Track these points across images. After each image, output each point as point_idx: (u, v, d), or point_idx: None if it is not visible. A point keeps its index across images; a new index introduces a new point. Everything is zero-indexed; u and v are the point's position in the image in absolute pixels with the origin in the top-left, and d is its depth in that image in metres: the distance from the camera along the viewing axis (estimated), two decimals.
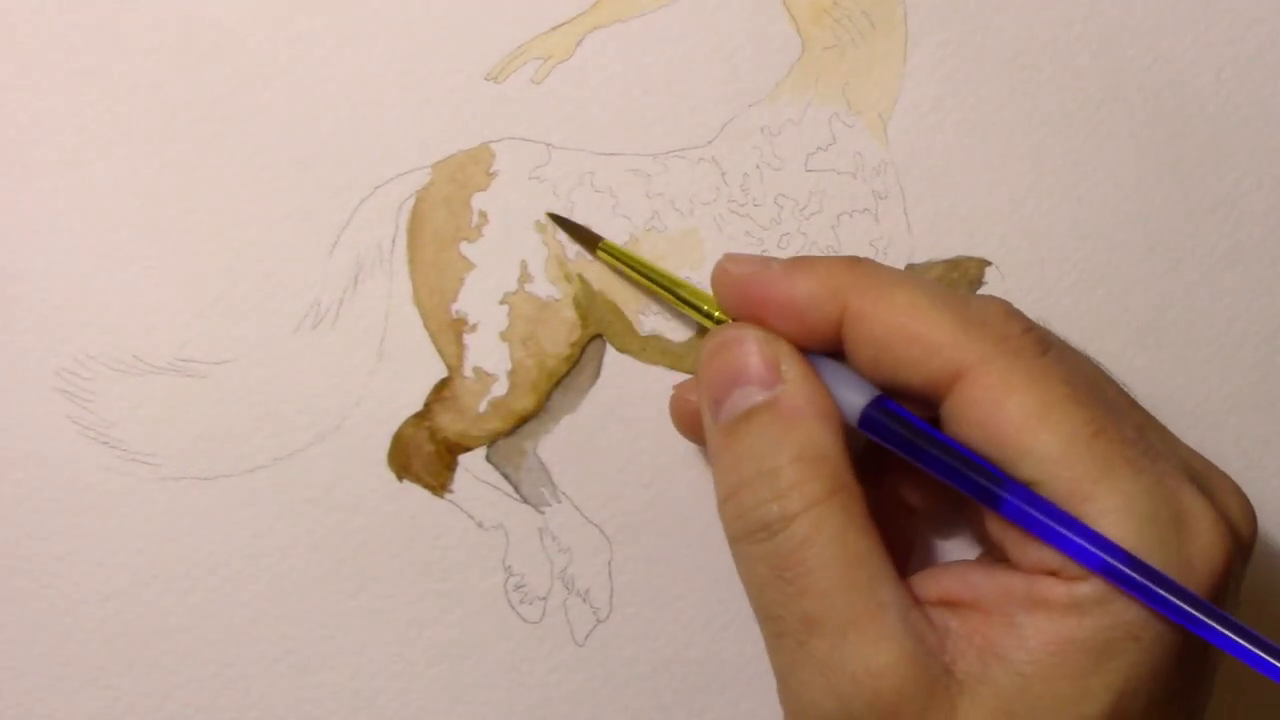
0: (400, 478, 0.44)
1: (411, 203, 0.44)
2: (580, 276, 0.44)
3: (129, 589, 0.43)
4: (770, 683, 0.45)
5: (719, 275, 0.41)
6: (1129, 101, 0.47)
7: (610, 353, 0.45)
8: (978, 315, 0.38)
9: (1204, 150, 0.47)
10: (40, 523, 0.43)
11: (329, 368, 0.44)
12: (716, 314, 0.41)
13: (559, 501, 0.45)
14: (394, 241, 0.44)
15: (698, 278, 0.45)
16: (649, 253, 0.45)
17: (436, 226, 0.44)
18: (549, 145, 0.45)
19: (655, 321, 0.45)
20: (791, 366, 0.39)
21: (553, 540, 0.45)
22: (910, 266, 0.46)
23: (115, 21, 0.43)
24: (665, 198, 0.45)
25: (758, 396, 0.38)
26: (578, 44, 0.45)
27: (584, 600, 0.45)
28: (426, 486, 0.44)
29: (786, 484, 0.37)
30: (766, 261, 0.40)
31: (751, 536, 0.38)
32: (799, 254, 0.45)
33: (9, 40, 0.43)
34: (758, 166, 0.45)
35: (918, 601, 0.37)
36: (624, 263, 0.43)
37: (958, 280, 0.46)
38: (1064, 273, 0.46)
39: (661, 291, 0.43)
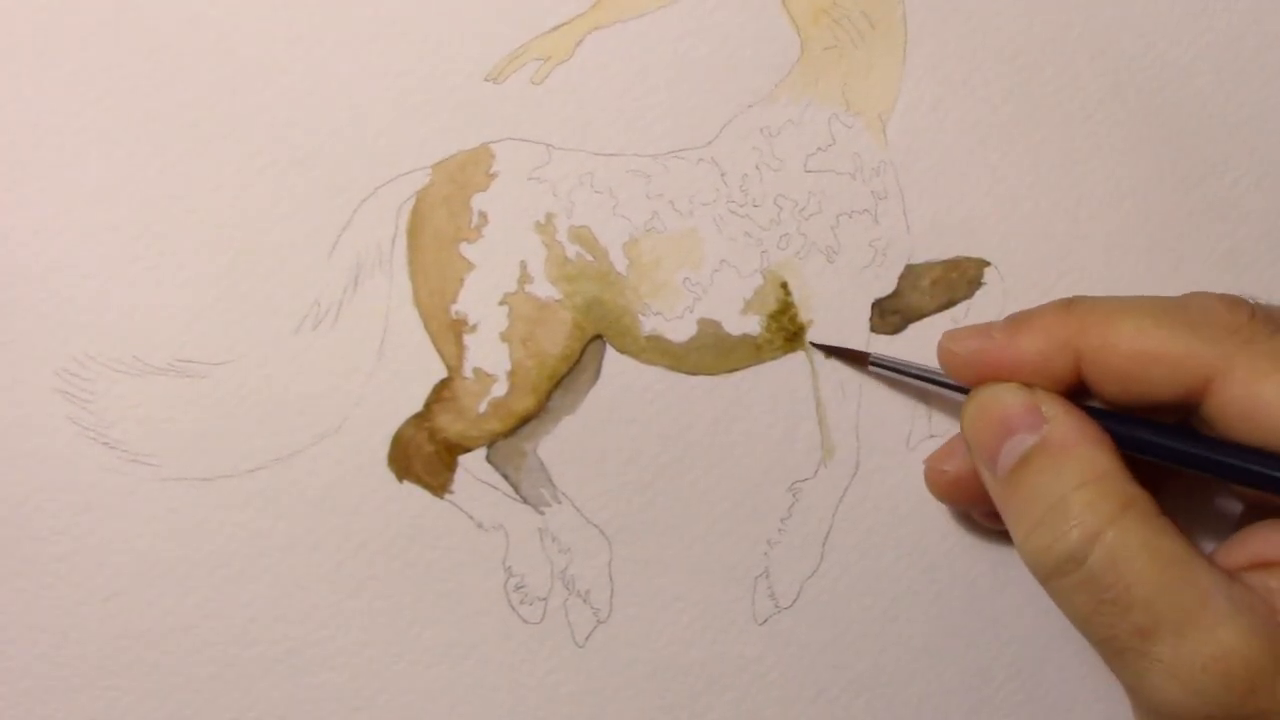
0: (400, 478, 0.44)
1: (411, 203, 0.44)
2: (581, 277, 0.45)
3: (129, 589, 0.43)
4: (770, 683, 0.45)
5: (946, 358, 0.43)
6: (1129, 101, 0.47)
7: (610, 353, 0.45)
8: (1202, 316, 0.40)
9: (1204, 150, 0.47)
10: (40, 523, 0.43)
11: (329, 368, 0.44)
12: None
13: (559, 502, 0.45)
14: (394, 242, 0.44)
15: (697, 278, 0.45)
16: (649, 253, 0.45)
17: (436, 227, 0.44)
18: (549, 146, 0.45)
19: (655, 322, 0.45)
20: (1051, 405, 0.40)
21: (553, 541, 0.45)
22: (909, 267, 0.46)
23: (115, 21, 0.43)
24: (665, 198, 0.45)
25: (1028, 441, 0.40)
26: (578, 44, 0.45)
27: (584, 601, 0.45)
28: (427, 487, 0.44)
29: (1078, 509, 0.38)
30: (985, 331, 0.42)
31: (1060, 570, 0.39)
32: (801, 253, 0.45)
33: (9, 40, 0.43)
34: (757, 167, 0.45)
35: (1233, 576, 0.38)
36: (896, 369, 0.45)
37: (956, 280, 0.46)
38: (1063, 273, 0.46)
39: (930, 386, 0.44)
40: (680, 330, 0.45)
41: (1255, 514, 0.42)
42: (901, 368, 0.44)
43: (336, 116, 0.44)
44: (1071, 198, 0.46)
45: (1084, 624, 0.39)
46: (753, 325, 0.45)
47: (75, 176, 0.43)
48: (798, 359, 0.45)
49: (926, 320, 0.46)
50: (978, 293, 0.46)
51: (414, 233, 0.44)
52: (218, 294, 0.44)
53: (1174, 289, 0.46)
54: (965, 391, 0.43)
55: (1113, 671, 0.40)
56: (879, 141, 0.46)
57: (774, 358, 0.45)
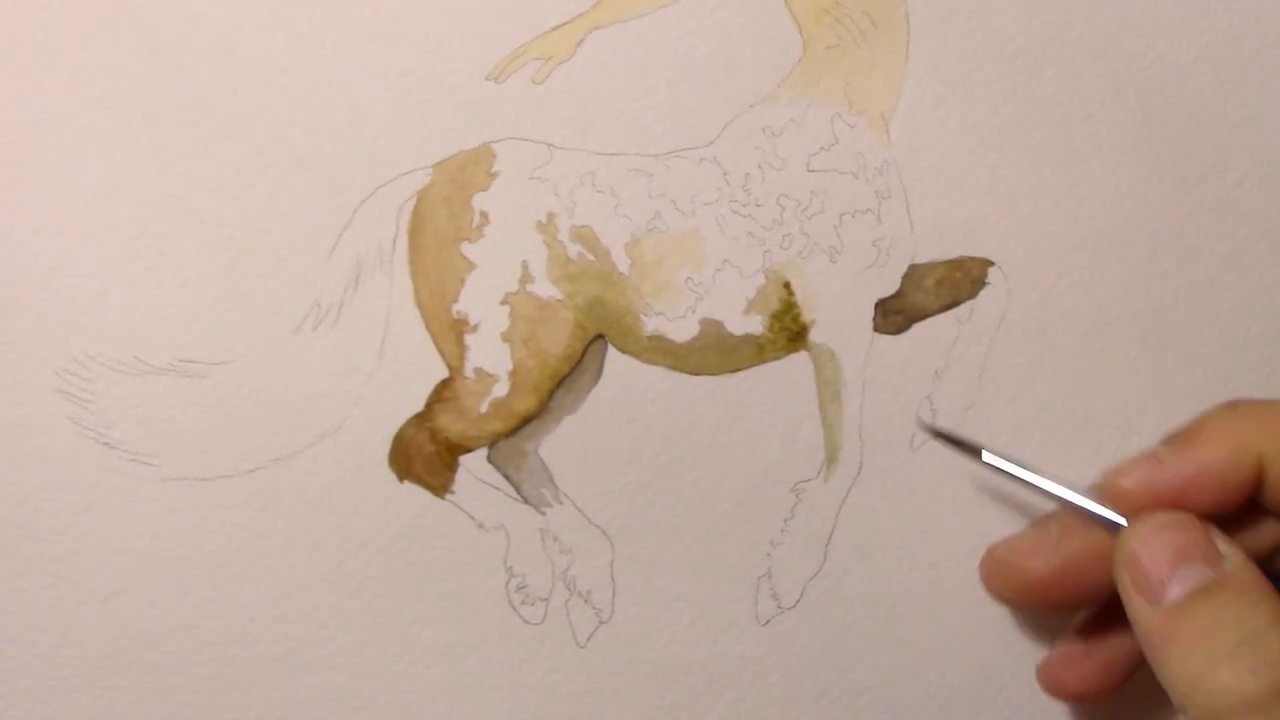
0: (401, 479, 0.44)
1: (412, 203, 0.44)
2: (583, 277, 0.44)
3: (129, 589, 0.43)
4: (772, 683, 0.45)
5: (1117, 495, 0.41)
6: (1129, 101, 0.47)
7: (612, 353, 0.45)
8: None
9: (1204, 150, 0.47)
10: (40, 523, 0.43)
11: (329, 368, 0.44)
12: (1123, 522, 0.41)
13: (560, 502, 0.45)
14: (395, 242, 0.44)
15: (699, 278, 0.45)
16: (651, 253, 0.45)
17: (437, 227, 0.44)
18: (550, 145, 0.45)
19: (658, 322, 0.45)
20: (1228, 546, 0.39)
21: (554, 541, 0.45)
22: (913, 266, 0.46)
23: (115, 21, 0.43)
24: (667, 198, 0.45)
25: (1208, 573, 0.38)
26: (578, 44, 0.45)
27: (586, 601, 0.45)
28: (427, 487, 0.44)
29: (1276, 646, 0.37)
30: (1153, 457, 0.40)
31: (1251, 708, 0.36)
32: (804, 253, 0.45)
33: (9, 40, 0.43)
34: (760, 167, 0.45)
35: None
36: (1009, 474, 0.43)
37: (960, 280, 0.46)
38: (1065, 272, 0.46)
39: (1055, 499, 0.42)
40: (682, 330, 0.45)
41: None
42: (1024, 477, 0.42)
43: (336, 116, 0.44)
44: (1073, 197, 0.46)
45: None
46: (755, 325, 0.45)
47: (75, 176, 0.43)
48: (800, 359, 0.45)
49: (930, 321, 0.46)
50: (981, 292, 0.46)
51: (415, 232, 0.44)
52: (218, 294, 0.44)
53: (1175, 288, 0.46)
54: (1113, 523, 0.41)
55: None
56: (882, 141, 0.46)
57: (776, 358, 0.45)
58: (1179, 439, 0.40)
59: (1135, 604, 0.39)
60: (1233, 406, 0.40)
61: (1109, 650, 0.44)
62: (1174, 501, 0.40)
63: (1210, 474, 0.39)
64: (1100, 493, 0.41)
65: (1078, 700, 0.45)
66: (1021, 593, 0.44)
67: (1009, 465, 0.42)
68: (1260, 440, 0.39)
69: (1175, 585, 0.39)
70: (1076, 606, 0.44)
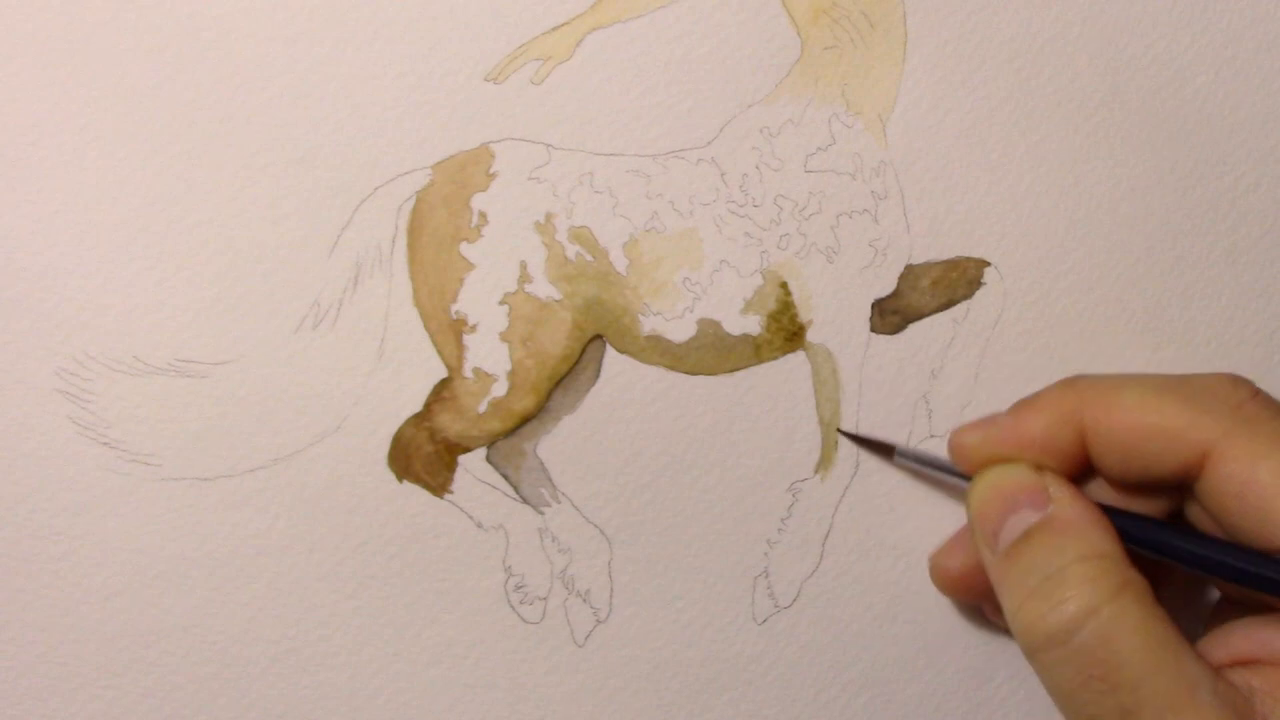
0: (400, 478, 0.44)
1: (411, 203, 0.44)
2: (581, 277, 0.44)
3: (129, 589, 0.43)
4: (769, 682, 0.45)
5: (955, 451, 0.43)
6: (1129, 101, 0.47)
7: (610, 353, 0.45)
8: (1204, 392, 0.40)
9: (1204, 150, 0.47)
10: (40, 523, 0.43)
11: (329, 368, 0.44)
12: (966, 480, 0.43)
13: (559, 502, 0.45)
14: (394, 242, 0.44)
15: (696, 278, 0.45)
16: (649, 254, 0.45)
17: (436, 227, 0.44)
18: (549, 146, 0.45)
19: (655, 322, 0.45)
20: (1058, 487, 0.41)
21: (553, 541, 0.45)
22: (909, 267, 0.46)
23: (115, 21, 0.43)
24: (665, 198, 0.45)
25: (1032, 518, 0.40)
26: (577, 45, 0.45)
27: (584, 601, 0.45)
28: (426, 487, 0.44)
29: (1076, 582, 0.38)
30: (991, 419, 0.43)
31: (1052, 642, 0.38)
32: (802, 253, 0.45)
33: (9, 40, 0.43)
34: (757, 167, 0.45)
35: (1218, 670, 0.38)
36: (921, 460, 0.45)
37: (956, 280, 0.46)
38: (1063, 273, 0.46)
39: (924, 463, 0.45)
40: (680, 330, 0.45)
41: (1236, 610, 0.41)
42: (926, 459, 0.45)
43: (336, 116, 0.44)
44: (1071, 197, 0.46)
45: (1067, 700, 0.39)
46: (752, 325, 0.45)
47: (75, 176, 0.43)
48: (797, 359, 0.45)
49: (926, 321, 0.46)
50: (977, 293, 0.46)
51: (414, 233, 0.44)
52: (218, 294, 0.44)
53: (1173, 288, 0.46)
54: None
55: None
56: (879, 141, 0.46)
57: (774, 358, 0.45)
58: (1018, 406, 0.43)
59: (981, 550, 0.42)
60: (1070, 381, 0.42)
61: None
62: (1012, 457, 0.42)
63: (1036, 437, 0.41)
64: (948, 449, 0.43)
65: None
66: (951, 588, 0.45)
67: (917, 454, 0.45)
68: (1083, 411, 0.41)
69: (1006, 532, 0.41)
70: None
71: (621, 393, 0.45)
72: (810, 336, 0.45)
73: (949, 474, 0.44)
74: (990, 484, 0.42)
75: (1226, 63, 0.47)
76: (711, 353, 0.45)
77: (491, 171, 0.44)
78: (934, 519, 0.46)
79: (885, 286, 0.46)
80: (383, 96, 0.44)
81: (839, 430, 0.45)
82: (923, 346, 0.46)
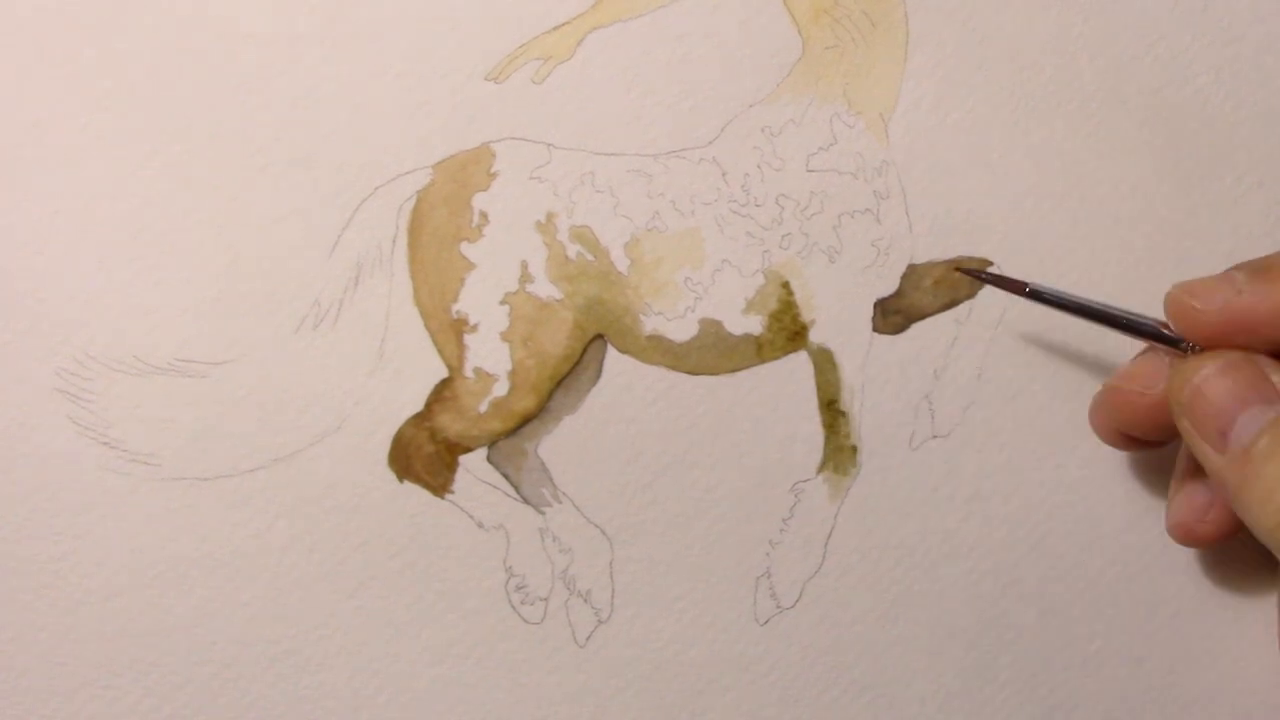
0: (401, 478, 0.44)
1: (412, 203, 0.44)
2: (582, 277, 0.44)
3: (129, 589, 0.43)
4: (771, 683, 0.45)
5: (1183, 314, 0.40)
6: (1129, 101, 0.47)
7: (612, 353, 0.45)
8: None
9: (1204, 150, 0.47)
10: (40, 523, 0.43)
11: (329, 368, 0.44)
12: (1178, 341, 0.41)
13: (560, 502, 0.45)
14: (394, 242, 0.44)
15: (698, 278, 0.45)
16: (651, 253, 0.45)
17: (437, 226, 0.44)
18: (550, 145, 0.45)
19: (657, 322, 0.45)
20: None
21: (554, 541, 0.45)
22: (912, 266, 0.46)
23: (116, 21, 0.43)
24: (666, 198, 0.45)
25: (1269, 413, 0.38)
26: (578, 44, 0.45)
27: (585, 601, 0.45)
28: (427, 487, 0.44)
29: None
30: (1229, 280, 0.39)
31: None
32: (803, 253, 0.45)
33: (9, 40, 0.43)
34: (759, 166, 0.45)
35: None
36: (1057, 302, 0.42)
37: (959, 280, 0.46)
38: (1064, 272, 0.46)
39: (1105, 324, 0.42)
40: (681, 330, 0.45)
41: None
42: (1072, 301, 0.42)
43: (336, 116, 0.44)
44: (1073, 197, 0.46)
45: None
46: (754, 325, 0.45)
47: (75, 176, 0.43)
48: (799, 359, 0.45)
49: (929, 320, 0.46)
50: (980, 292, 0.46)
51: (414, 232, 0.44)
52: (218, 294, 0.44)
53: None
54: (1175, 345, 0.40)
55: None
56: (881, 141, 0.46)
57: (775, 357, 0.45)
58: (1259, 270, 0.39)
59: (1201, 451, 0.39)
60: None
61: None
62: (1244, 333, 0.39)
63: None
64: (1168, 307, 0.40)
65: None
66: (1133, 421, 0.42)
67: (1060, 296, 0.42)
68: None
69: (1240, 430, 0.38)
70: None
71: (623, 393, 0.45)
72: (812, 336, 0.45)
73: (1118, 325, 0.41)
74: (1221, 373, 0.39)
75: (1227, 62, 0.47)
76: (713, 352, 0.45)
77: (492, 171, 0.44)
78: (937, 519, 0.46)
79: (888, 286, 0.46)
80: (383, 96, 0.44)
81: (959, 269, 0.44)
82: (925, 346, 0.46)
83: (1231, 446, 0.38)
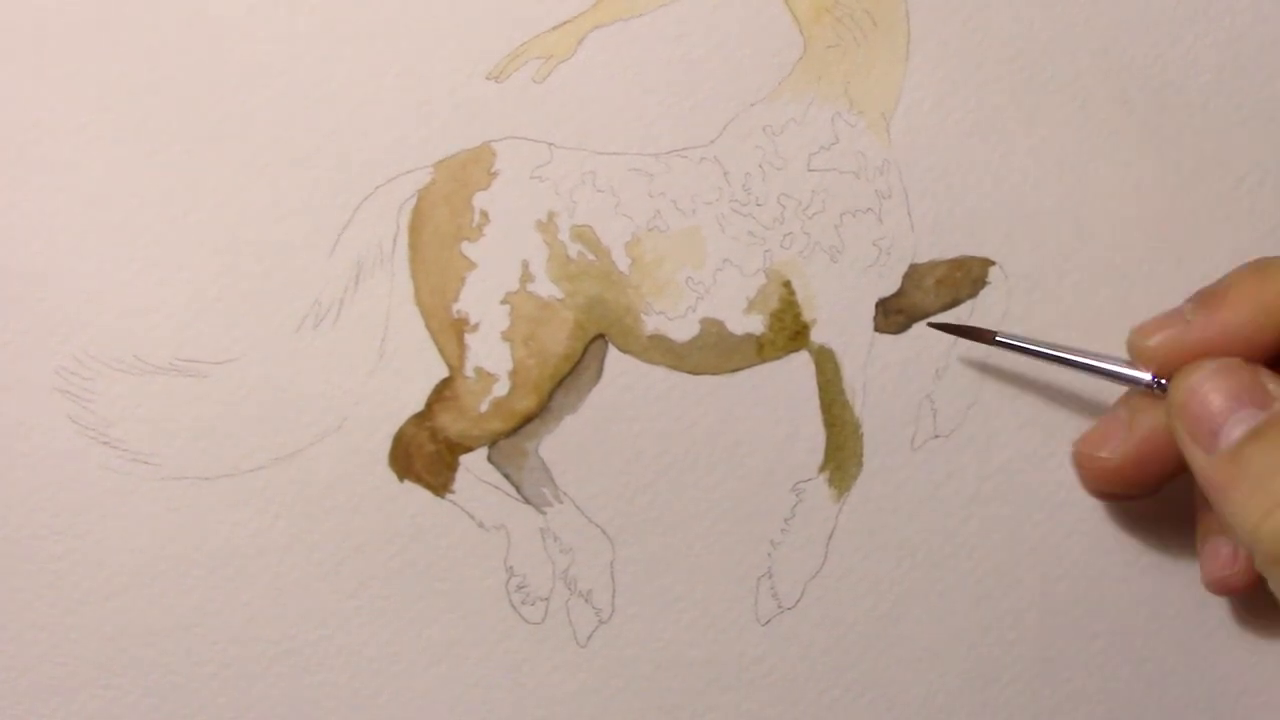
0: (401, 478, 0.44)
1: (412, 202, 0.44)
2: (583, 276, 0.44)
3: (129, 589, 0.43)
4: (772, 683, 0.45)
5: (1142, 353, 0.41)
6: (1131, 101, 0.47)
7: (613, 353, 0.45)
8: None
9: (1204, 150, 0.47)
10: (40, 523, 0.43)
11: (329, 368, 0.44)
12: (1148, 377, 0.42)
13: (561, 502, 0.45)
14: (395, 241, 0.44)
15: (699, 277, 0.45)
16: (652, 253, 0.45)
17: (438, 226, 0.44)
18: (550, 145, 0.45)
19: (658, 322, 0.45)
20: (1276, 383, 0.39)
21: (555, 540, 0.45)
22: (913, 266, 0.46)
23: (115, 21, 0.43)
24: (667, 197, 0.45)
25: (1258, 416, 0.39)
26: (579, 43, 0.45)
27: (586, 601, 0.45)
28: (427, 486, 0.44)
29: None
30: (1177, 317, 0.41)
31: None
32: (805, 252, 0.45)
33: (9, 40, 0.43)
34: (760, 166, 0.45)
35: None
36: (1024, 349, 0.44)
37: (961, 279, 0.46)
38: (1066, 272, 0.46)
39: (1076, 369, 0.43)
40: (683, 330, 0.45)
41: None
42: (1039, 349, 0.43)
43: (336, 116, 0.44)
44: (1075, 196, 0.46)
45: None
46: (756, 324, 0.45)
47: (75, 176, 0.43)
48: (801, 358, 0.45)
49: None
50: (982, 292, 0.46)
51: (415, 231, 0.44)
52: (218, 294, 0.44)
53: (1176, 288, 0.46)
54: (1146, 383, 0.42)
55: None
56: (882, 140, 0.46)
57: (777, 357, 0.45)
58: (1205, 299, 0.41)
59: (1191, 452, 0.40)
60: (1259, 266, 0.41)
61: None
62: (1207, 356, 0.40)
63: (1236, 335, 0.40)
64: (1129, 352, 0.42)
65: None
66: (1103, 482, 0.44)
67: (1026, 343, 0.44)
68: None
69: (1229, 431, 0.39)
70: (1159, 486, 0.44)
71: (624, 392, 0.45)
72: (814, 336, 0.45)
73: (1088, 369, 0.43)
74: (1207, 379, 0.40)
75: (1230, 62, 0.47)
76: (714, 352, 0.45)
77: (493, 170, 0.44)
78: (937, 519, 0.46)
79: (889, 286, 0.46)
80: (383, 96, 0.44)
81: (929, 324, 0.45)
82: (927, 346, 0.46)
83: (1220, 447, 0.39)
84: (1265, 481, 0.38)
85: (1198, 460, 0.40)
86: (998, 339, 0.44)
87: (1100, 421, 0.44)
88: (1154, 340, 0.41)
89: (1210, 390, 0.39)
